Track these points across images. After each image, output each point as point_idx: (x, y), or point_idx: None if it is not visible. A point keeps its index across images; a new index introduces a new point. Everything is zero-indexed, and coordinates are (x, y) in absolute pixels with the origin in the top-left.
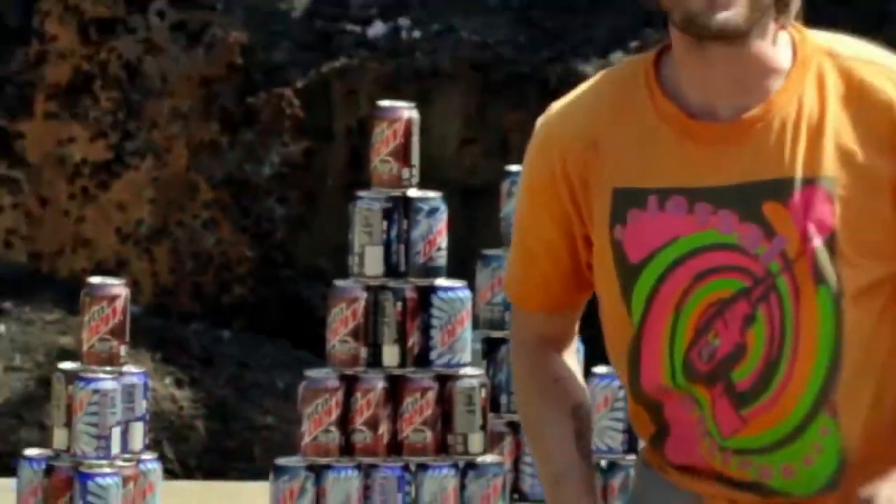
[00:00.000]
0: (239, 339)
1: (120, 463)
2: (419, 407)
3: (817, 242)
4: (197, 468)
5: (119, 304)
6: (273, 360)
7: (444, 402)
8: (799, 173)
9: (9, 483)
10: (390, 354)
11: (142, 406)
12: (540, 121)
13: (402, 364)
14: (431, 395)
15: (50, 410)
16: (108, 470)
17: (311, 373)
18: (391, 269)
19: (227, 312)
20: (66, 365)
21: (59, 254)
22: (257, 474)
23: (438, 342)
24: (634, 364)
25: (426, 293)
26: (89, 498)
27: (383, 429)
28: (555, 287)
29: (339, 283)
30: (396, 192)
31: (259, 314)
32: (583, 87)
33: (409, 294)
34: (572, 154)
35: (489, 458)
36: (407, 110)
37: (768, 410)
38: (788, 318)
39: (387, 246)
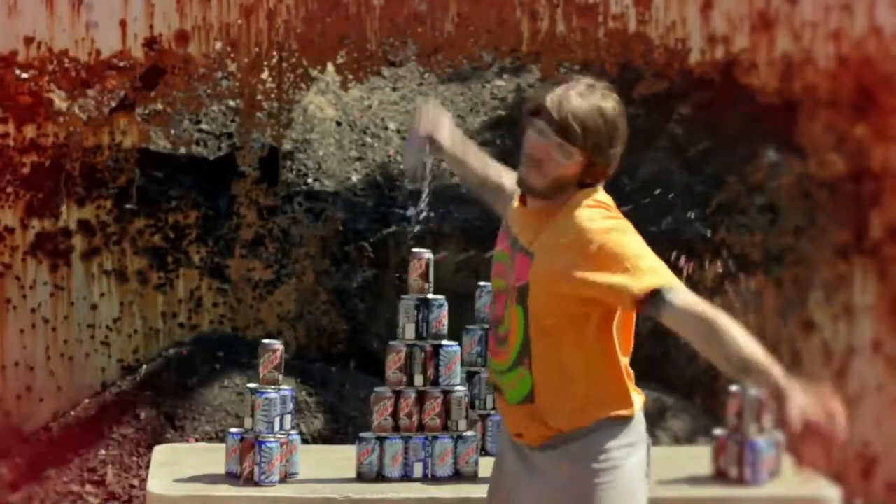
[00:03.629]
0: (341, 371)
1: (279, 435)
2: (433, 407)
3: (519, 283)
4: (315, 439)
5: (279, 353)
6: (361, 380)
7: (446, 404)
8: (526, 245)
9: (221, 446)
10: (419, 379)
11: (289, 406)
12: None
13: (424, 384)
14: (440, 401)
15: (244, 409)
16: (272, 438)
17: (378, 389)
18: (419, 335)
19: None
20: (252, 384)
21: None
22: (350, 441)
23: (443, 373)
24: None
25: (437, 348)
26: (262, 454)
27: (415, 418)
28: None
29: (392, 342)
30: (422, 296)
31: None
32: None
33: (428, 349)
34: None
35: (469, 433)
36: (427, 253)
37: (503, 355)
38: (509, 314)
39: (416, 323)
